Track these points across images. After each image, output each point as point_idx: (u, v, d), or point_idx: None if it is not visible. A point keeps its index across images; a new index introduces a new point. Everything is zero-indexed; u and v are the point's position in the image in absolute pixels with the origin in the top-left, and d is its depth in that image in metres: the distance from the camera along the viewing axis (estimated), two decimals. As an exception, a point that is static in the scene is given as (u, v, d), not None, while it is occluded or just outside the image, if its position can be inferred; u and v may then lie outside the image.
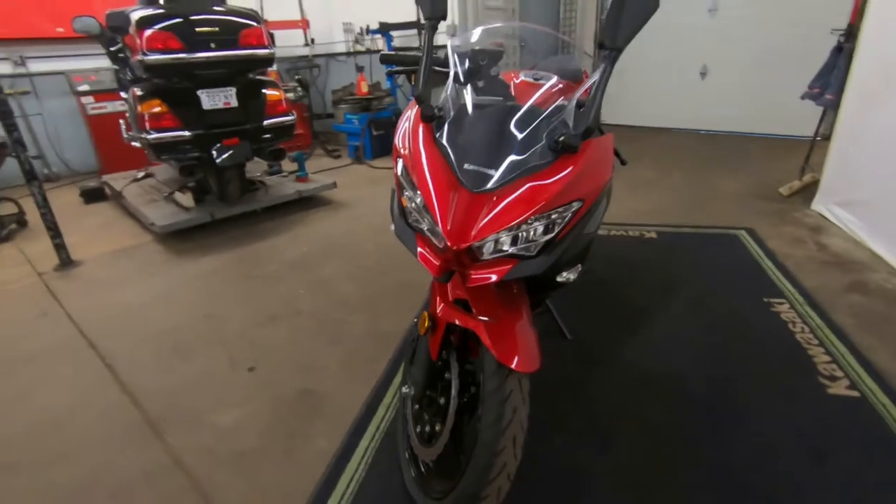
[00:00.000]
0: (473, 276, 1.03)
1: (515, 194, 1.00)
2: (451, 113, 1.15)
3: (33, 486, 1.53)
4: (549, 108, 1.15)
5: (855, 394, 1.72)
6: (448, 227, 0.98)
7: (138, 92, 2.82)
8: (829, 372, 1.83)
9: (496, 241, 0.99)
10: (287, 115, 3.30)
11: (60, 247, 3.07)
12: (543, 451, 1.54)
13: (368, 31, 5.70)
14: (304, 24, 6.20)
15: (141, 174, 4.29)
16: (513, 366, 1.07)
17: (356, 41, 6.05)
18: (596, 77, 1.08)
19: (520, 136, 1.07)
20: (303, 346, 2.16)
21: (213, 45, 2.73)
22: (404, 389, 1.34)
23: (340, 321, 2.34)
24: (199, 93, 2.81)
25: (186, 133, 2.85)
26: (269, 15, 6.07)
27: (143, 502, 1.45)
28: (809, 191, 3.54)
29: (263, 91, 3.20)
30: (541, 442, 1.58)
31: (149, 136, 2.76)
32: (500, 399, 1.09)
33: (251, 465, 1.58)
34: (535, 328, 1.20)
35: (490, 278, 1.02)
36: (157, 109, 2.77)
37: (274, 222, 3.67)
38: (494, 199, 0.99)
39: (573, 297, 2.43)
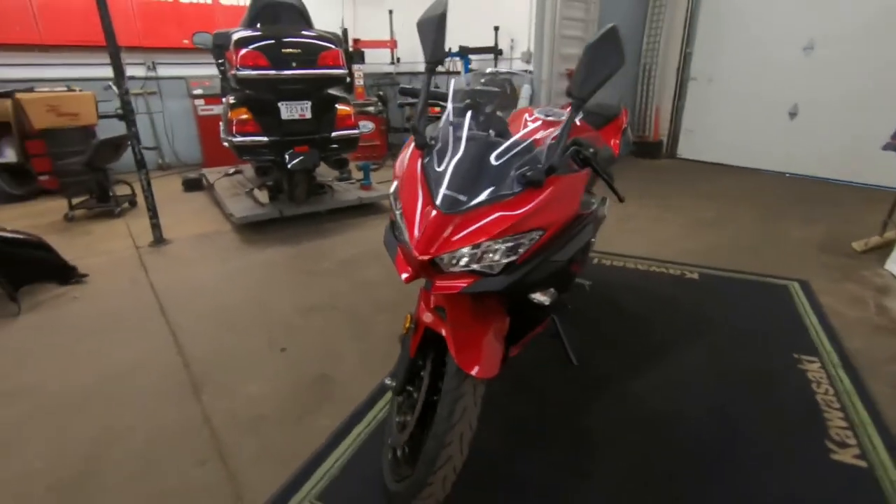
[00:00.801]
0: (438, 285, 1.18)
1: (479, 218, 1.14)
2: (440, 143, 1.32)
3: (89, 426, 1.87)
4: (522, 146, 1.28)
5: (862, 464, 1.64)
6: (416, 240, 1.14)
7: (231, 100, 3.29)
8: (841, 438, 1.74)
9: (459, 257, 1.13)
10: (354, 129, 3.64)
11: (156, 226, 3.59)
12: (522, 466, 1.63)
13: (449, 53, 6.01)
14: (392, 44, 6.66)
15: (232, 170, 4.87)
16: (471, 372, 1.21)
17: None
18: (562, 121, 1.19)
19: (493, 167, 1.21)
20: (331, 337, 2.41)
21: (294, 64, 3.13)
22: (387, 381, 1.51)
23: (368, 319, 2.57)
24: (279, 104, 3.22)
25: (265, 139, 3.27)
26: (362, 34, 6.61)
27: (170, 449, 1.74)
28: (888, 249, 3.26)
29: (336, 106, 3.56)
30: (521, 457, 1.68)
31: (234, 139, 3.21)
32: (454, 398, 1.23)
33: (264, 429, 1.82)
34: (502, 342, 1.33)
35: (452, 288, 1.17)
36: (243, 116, 3.21)
37: (334, 224, 4.01)
38: (460, 220, 1.14)
39: (591, 326, 2.48)
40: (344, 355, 2.26)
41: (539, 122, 1.64)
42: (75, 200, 4.28)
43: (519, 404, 1.95)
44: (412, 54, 6.80)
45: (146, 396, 2.01)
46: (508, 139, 1.29)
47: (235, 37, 3.09)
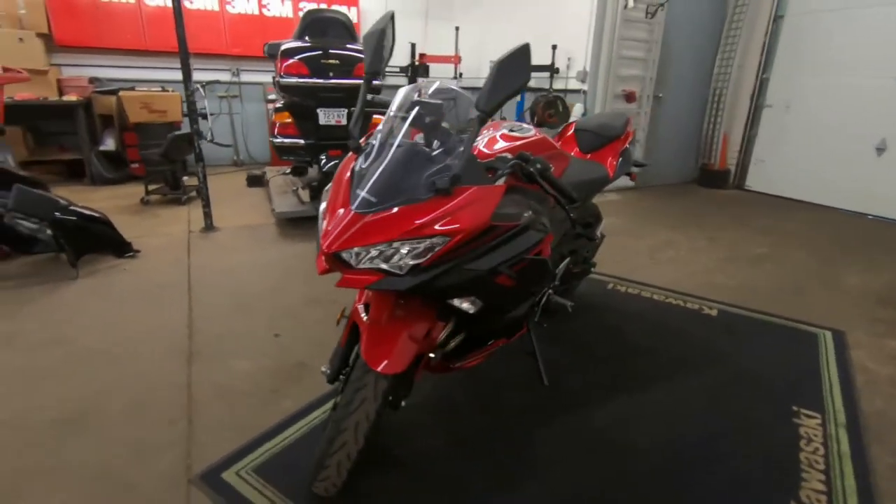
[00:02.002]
0: (346, 277, 1.25)
1: (387, 219, 1.20)
2: (372, 148, 1.39)
3: (99, 378, 2.14)
4: (436, 153, 1.32)
5: (824, 533, 1.48)
6: (324, 234, 1.23)
7: (278, 105, 3.60)
8: (810, 502, 1.58)
9: (364, 254, 1.20)
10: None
11: (207, 215, 3.98)
12: (458, 470, 1.66)
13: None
14: (456, 59, 6.85)
15: (287, 170, 5.26)
16: (375, 367, 1.28)
17: (498, 78, 6.48)
18: (467, 134, 1.23)
19: (414, 175, 1.27)
20: (321, 328, 2.55)
21: (331, 74, 3.37)
22: (323, 369, 1.60)
23: (363, 317, 2.69)
24: (318, 110, 3.47)
25: (302, 142, 3.54)
26: (431, 49, 6.87)
27: (152, 407, 1.94)
28: (956, 306, 2.86)
29: (373, 115, 3.76)
30: (460, 462, 1.70)
31: (276, 140, 3.51)
32: (356, 388, 1.30)
33: (235, 402, 1.98)
34: (419, 343, 1.38)
35: (357, 283, 1.24)
36: (286, 120, 3.50)
37: (367, 226, 4.21)
38: (368, 220, 1.20)
39: (580, 349, 2.42)
40: (328, 346, 2.37)
41: (500, 136, 1.68)
42: (152, 187, 4.85)
43: (474, 413, 1.96)
44: (475, 70, 6.95)
45: (150, 359, 2.26)
46: (441, 149, 1.34)
47: (283, 47, 3.41)
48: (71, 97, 5.30)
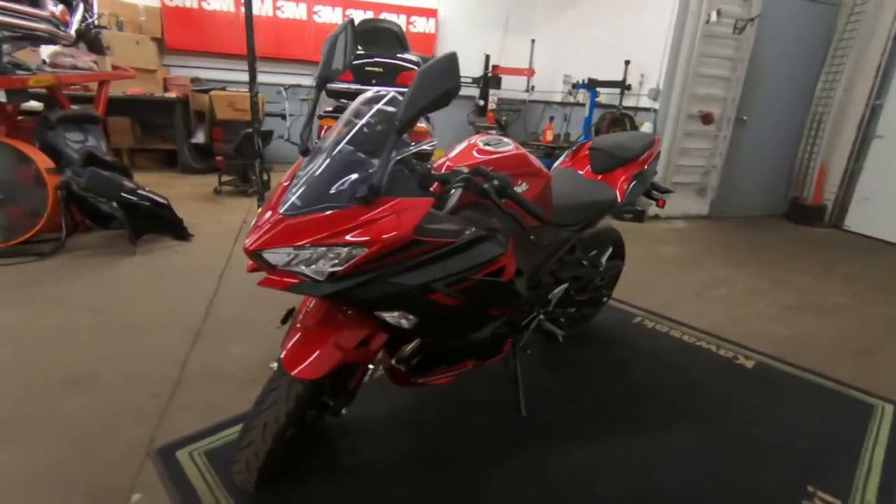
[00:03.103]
0: (268, 277, 1.26)
1: (307, 224, 1.19)
2: (314, 151, 1.39)
3: (114, 345, 2.36)
4: (362, 160, 1.28)
5: None
6: (249, 233, 1.25)
7: (327, 109, 3.77)
8: None
9: (282, 256, 1.20)
10: (429, 144, 3.84)
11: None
12: (396, 491, 1.62)
13: (577, 85, 5.88)
14: (529, 72, 6.76)
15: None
16: (290, 370, 1.28)
17: (569, 93, 6.30)
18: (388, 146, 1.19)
19: (346, 182, 1.25)
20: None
21: (374, 81, 3.46)
22: (271, 365, 1.63)
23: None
24: (362, 116, 3.60)
25: (344, 145, 3.68)
26: (505, 62, 6.84)
27: (145, 378, 2.10)
28: None
29: (417, 123, 3.82)
30: (404, 483, 1.66)
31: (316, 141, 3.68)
32: (269, 388, 1.31)
33: (218, 385, 2.09)
34: (346, 353, 1.35)
35: (276, 284, 1.24)
36: (329, 125, 3.66)
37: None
38: (290, 223, 1.20)
39: (577, 383, 2.26)
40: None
41: (476, 150, 1.61)
42: (225, 178, 5.29)
43: (440, 432, 1.90)
44: (548, 83, 6.80)
45: (163, 334, 2.45)
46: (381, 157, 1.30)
47: (333, 54, 3.58)
48: (172, 94, 5.95)
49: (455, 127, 6.97)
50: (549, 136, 5.76)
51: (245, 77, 6.62)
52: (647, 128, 5.03)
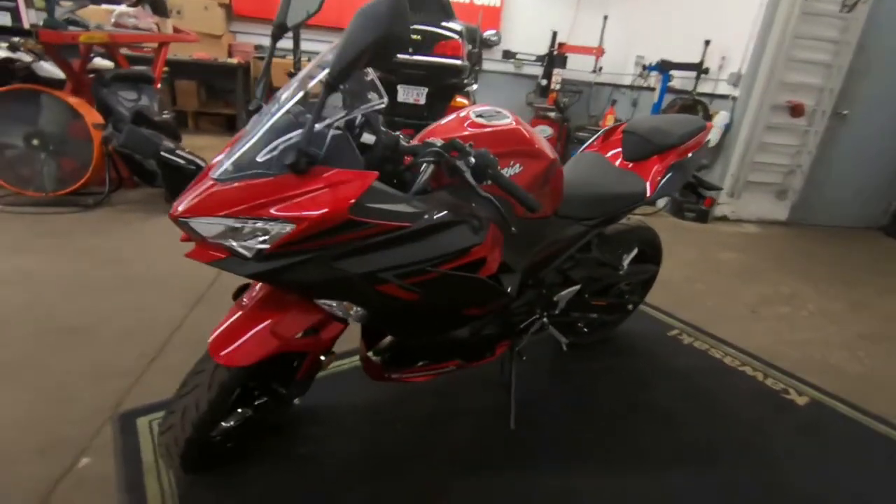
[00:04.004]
0: (196, 248, 1.13)
1: (233, 191, 1.04)
2: (262, 111, 1.22)
3: (124, 299, 2.38)
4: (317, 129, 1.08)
5: None
6: (178, 199, 1.11)
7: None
8: None
9: (206, 227, 1.06)
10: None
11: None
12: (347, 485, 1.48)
13: (648, 67, 5.35)
14: (598, 51, 6.25)
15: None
16: (214, 354, 1.15)
17: (640, 76, 5.76)
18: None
19: (286, 146, 1.07)
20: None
21: (411, 50, 3.25)
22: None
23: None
24: (398, 87, 3.41)
25: (378, 117, 3.51)
26: (574, 39, 6.39)
27: (139, 337, 2.09)
28: None
29: (456, 97, 3.58)
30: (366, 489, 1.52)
31: (353, 112, 3.55)
32: (194, 371, 1.20)
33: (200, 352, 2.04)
34: (284, 342, 1.21)
35: (202, 257, 1.10)
36: (366, 94, 3.51)
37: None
38: (217, 190, 1.05)
39: (581, 394, 2.00)
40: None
41: (468, 123, 1.39)
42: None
43: (411, 432, 1.73)
44: (619, 65, 6.26)
45: (168, 295, 2.45)
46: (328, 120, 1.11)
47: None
48: (235, 60, 6.07)
49: (513, 108, 6.62)
50: (610, 122, 5.30)
51: (309, 46, 6.67)
52: (722, 117, 4.47)
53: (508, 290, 1.43)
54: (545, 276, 1.72)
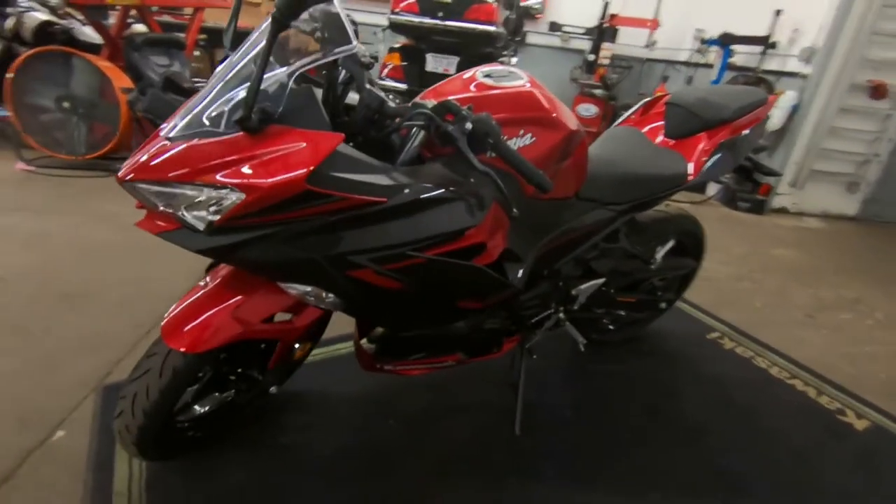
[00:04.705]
0: (147, 216, 0.99)
1: (181, 153, 0.89)
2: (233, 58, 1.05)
3: (126, 270, 2.33)
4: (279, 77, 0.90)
5: None
6: (127, 161, 0.98)
7: (394, 45, 3.42)
8: None
9: (153, 194, 0.92)
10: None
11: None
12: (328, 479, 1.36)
13: (707, 41, 4.87)
14: (652, 24, 5.78)
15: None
16: (166, 340, 1.03)
17: (698, 51, 5.27)
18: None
19: (226, 97, 0.91)
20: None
21: (440, 14, 3.02)
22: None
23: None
24: (427, 55, 3.19)
25: (403, 86, 3.31)
26: (628, 10, 5.94)
27: (138, 307, 2.03)
28: None
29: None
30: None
31: (380, 82, 3.37)
32: (147, 354, 1.08)
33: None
34: (246, 327, 1.08)
35: (150, 228, 0.97)
36: (394, 63, 3.31)
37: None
38: (165, 150, 0.90)
39: (596, 400, 1.80)
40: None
41: (475, 84, 1.18)
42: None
43: (402, 432, 1.59)
44: (676, 40, 5.76)
45: (175, 266, 2.37)
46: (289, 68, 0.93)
47: (401, -17, 3.19)
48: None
49: (556, 84, 6.28)
50: (660, 100, 4.88)
51: (358, 17, 6.46)
52: (789, 97, 4.01)
53: (513, 281, 1.24)
54: (562, 266, 1.52)
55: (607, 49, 5.98)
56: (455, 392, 1.76)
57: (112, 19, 4.02)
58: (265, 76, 0.87)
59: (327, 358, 1.83)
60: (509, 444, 1.57)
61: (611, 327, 2.05)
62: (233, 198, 0.87)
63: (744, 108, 1.53)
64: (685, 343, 2.23)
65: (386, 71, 3.46)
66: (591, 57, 6.10)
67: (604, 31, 5.87)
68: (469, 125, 0.98)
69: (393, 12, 3.24)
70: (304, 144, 0.86)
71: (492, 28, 3.22)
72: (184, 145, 0.90)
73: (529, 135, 1.14)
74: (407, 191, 0.96)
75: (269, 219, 0.90)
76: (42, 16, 3.94)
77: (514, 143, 1.13)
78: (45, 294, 2.05)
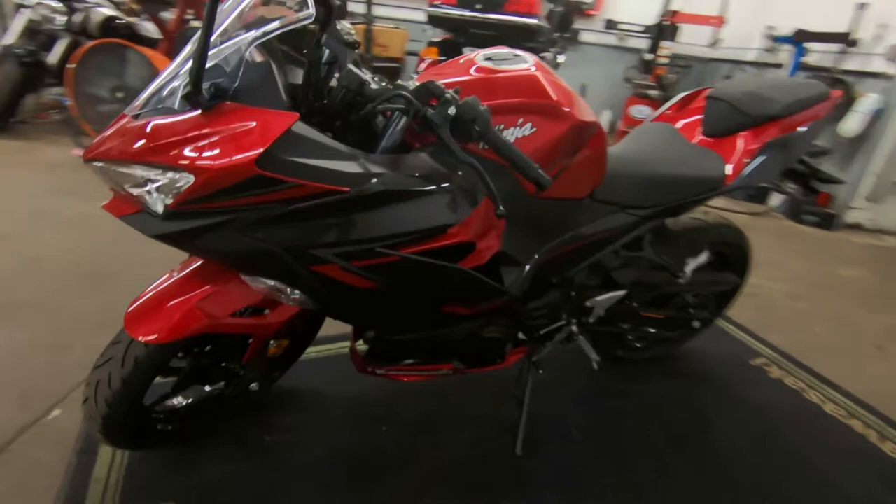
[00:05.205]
0: (113, 198, 0.95)
1: (138, 130, 0.83)
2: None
3: (148, 250, 2.37)
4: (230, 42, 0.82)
5: None
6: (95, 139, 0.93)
7: (434, 39, 3.34)
8: None
9: (114, 173, 0.87)
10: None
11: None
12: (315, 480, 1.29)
13: (778, 39, 4.48)
14: (717, 21, 5.40)
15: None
16: (125, 327, 0.99)
17: (767, 50, 4.86)
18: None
19: (184, 69, 0.83)
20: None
21: (478, 6, 2.90)
22: None
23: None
24: (463, 49, 3.08)
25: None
26: (688, 7, 5.59)
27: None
28: None
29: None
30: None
31: (414, 76, 3.29)
32: (112, 342, 1.05)
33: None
34: (209, 318, 1.02)
35: (113, 210, 0.93)
36: (431, 58, 3.23)
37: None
38: (127, 128, 0.85)
39: (604, 427, 1.63)
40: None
41: (475, 68, 1.07)
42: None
43: (393, 441, 1.49)
44: (744, 38, 5.34)
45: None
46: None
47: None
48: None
49: (610, 85, 6.00)
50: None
51: (400, 14, 6.45)
52: (870, 101, 3.60)
53: (508, 288, 1.12)
54: (575, 275, 1.37)
55: (666, 48, 5.65)
56: (458, 401, 1.65)
57: (170, 14, 4.19)
58: (224, 46, 0.80)
59: (329, 356, 1.76)
60: (509, 464, 1.44)
61: (638, 345, 1.88)
62: (185, 180, 0.80)
63: (799, 104, 1.33)
64: (724, 367, 2.00)
65: (423, 66, 3.39)
66: (649, 56, 5.79)
67: (664, 29, 5.55)
68: (453, 110, 0.87)
69: (431, 5, 3.17)
70: (255, 124, 0.79)
71: (533, 21, 3.07)
72: (142, 123, 0.84)
73: (529, 125, 1.01)
74: (375, 181, 0.86)
75: (223, 204, 0.83)
76: (108, 11, 4.17)
77: (511, 134, 1.01)
78: (73, 274, 2.11)
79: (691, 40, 5.62)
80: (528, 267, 1.17)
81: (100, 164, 0.87)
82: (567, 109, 1.04)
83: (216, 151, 0.78)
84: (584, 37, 6.04)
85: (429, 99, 0.91)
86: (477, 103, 0.89)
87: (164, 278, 1.11)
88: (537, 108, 1.02)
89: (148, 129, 0.82)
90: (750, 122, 1.33)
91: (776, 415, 1.76)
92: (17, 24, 3.84)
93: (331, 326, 1.36)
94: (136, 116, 0.87)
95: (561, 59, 4.35)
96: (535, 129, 1.02)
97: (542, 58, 3.37)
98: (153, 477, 1.29)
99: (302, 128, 0.83)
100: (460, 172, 0.98)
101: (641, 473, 1.46)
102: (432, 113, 0.87)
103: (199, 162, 0.78)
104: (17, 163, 3.38)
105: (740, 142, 1.33)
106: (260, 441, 1.43)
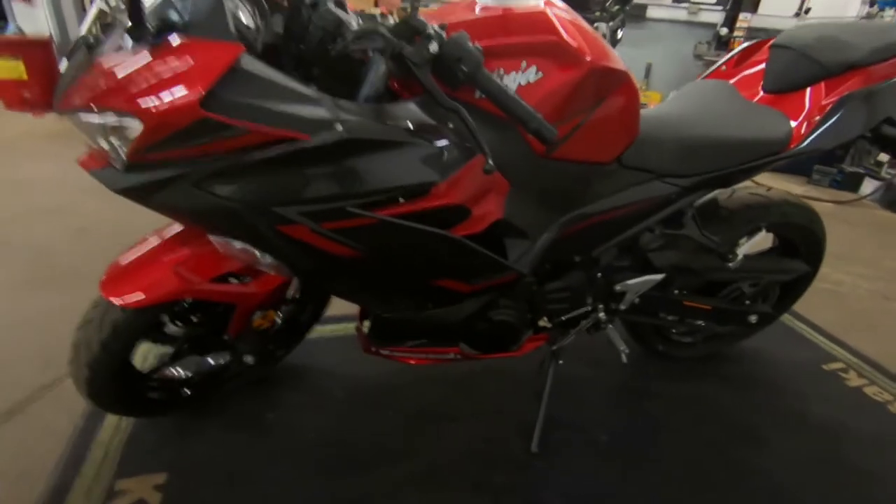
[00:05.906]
0: (87, 154, 0.90)
1: (95, 73, 0.76)
2: None
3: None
4: None
5: None
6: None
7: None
8: None
9: (86, 121, 0.81)
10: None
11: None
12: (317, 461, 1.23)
13: (879, 2, 3.90)
14: (807, -13, 4.82)
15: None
16: (100, 290, 0.95)
17: (867, 16, 4.27)
18: None
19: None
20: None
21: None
22: None
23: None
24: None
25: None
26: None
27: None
28: None
29: None
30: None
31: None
32: (93, 304, 1.01)
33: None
34: (187, 282, 0.96)
35: (84, 164, 0.87)
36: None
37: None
38: (93, 67, 0.78)
39: (635, 430, 1.45)
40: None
41: (474, 6, 0.93)
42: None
43: (395, 431, 1.40)
44: (836, 6, 4.75)
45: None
46: None
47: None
48: (377, 11, 6.08)
49: (678, 65, 5.57)
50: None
51: None
52: None
53: (513, 263, 0.98)
54: (602, 254, 1.20)
55: (745, 21, 5.14)
56: (472, 390, 1.53)
57: None
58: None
59: (340, 336, 1.70)
60: (520, 464, 1.30)
61: (685, 340, 1.66)
62: (134, 126, 0.73)
63: (889, 49, 1.07)
64: (791, 371, 1.73)
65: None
66: (724, 31, 5.30)
67: (741, 0, 5.06)
68: (434, 47, 0.75)
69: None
70: (197, 57, 0.70)
71: None
72: (94, 65, 0.78)
73: (534, 68, 0.86)
74: (340, 127, 0.75)
75: (176, 153, 0.75)
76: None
77: (513, 80, 0.86)
78: (113, 244, 2.18)
79: (775, 11, 5.07)
80: (539, 241, 1.02)
81: (65, 113, 0.82)
82: (582, 51, 0.87)
83: (163, 93, 0.70)
84: (652, 12, 5.62)
85: (411, 37, 0.79)
86: (465, 40, 0.76)
87: (143, 240, 1.07)
88: (544, 48, 0.86)
89: (105, 71, 0.75)
90: (823, 73, 1.09)
91: (852, 430, 1.50)
92: (90, 15, 4.09)
93: (344, 305, 1.28)
94: (91, 55, 0.81)
95: (619, 34, 4.03)
96: (541, 75, 0.86)
97: (595, 28, 3.11)
98: (149, 445, 1.28)
99: (253, 64, 0.73)
100: (451, 125, 0.85)
101: (675, 493, 1.27)
102: (409, 51, 0.75)
103: (144, 105, 0.71)
104: (71, 136, 3.60)
105: (811, 96, 1.09)
106: (261, 417, 1.38)
